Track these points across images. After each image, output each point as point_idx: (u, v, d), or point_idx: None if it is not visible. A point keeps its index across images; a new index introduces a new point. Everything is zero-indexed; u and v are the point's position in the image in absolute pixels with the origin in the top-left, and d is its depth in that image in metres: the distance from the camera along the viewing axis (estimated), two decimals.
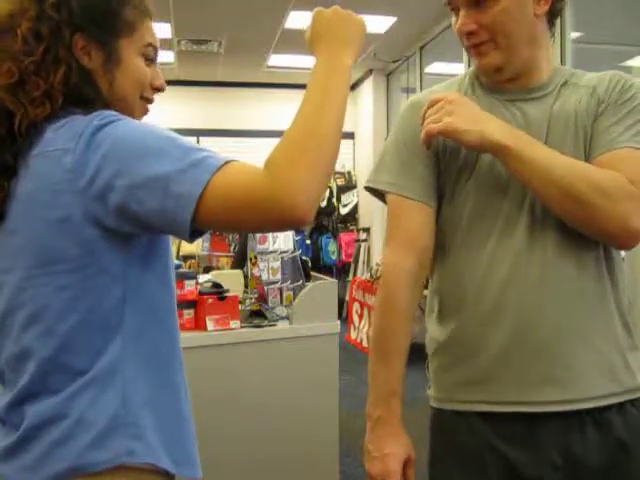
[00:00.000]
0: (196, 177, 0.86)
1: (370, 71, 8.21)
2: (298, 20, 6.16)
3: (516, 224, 1.15)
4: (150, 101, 1.11)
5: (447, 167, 1.21)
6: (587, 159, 1.15)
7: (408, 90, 7.55)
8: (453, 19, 1.20)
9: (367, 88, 8.44)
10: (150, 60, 1.08)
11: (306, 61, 7.68)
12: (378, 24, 6.38)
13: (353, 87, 8.88)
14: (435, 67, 7.17)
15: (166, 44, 6.63)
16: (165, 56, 6.83)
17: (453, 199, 1.20)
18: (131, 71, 1.06)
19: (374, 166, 1.28)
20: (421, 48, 7.08)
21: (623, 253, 1.40)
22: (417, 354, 1.58)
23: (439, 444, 1.23)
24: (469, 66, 5.20)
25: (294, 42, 6.89)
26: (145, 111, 1.12)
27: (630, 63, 5.14)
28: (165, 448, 1.00)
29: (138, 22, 1.06)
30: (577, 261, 1.14)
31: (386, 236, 1.25)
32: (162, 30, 6.36)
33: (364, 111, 8.52)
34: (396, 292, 1.18)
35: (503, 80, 1.20)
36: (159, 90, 1.11)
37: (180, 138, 0.93)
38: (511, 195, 1.16)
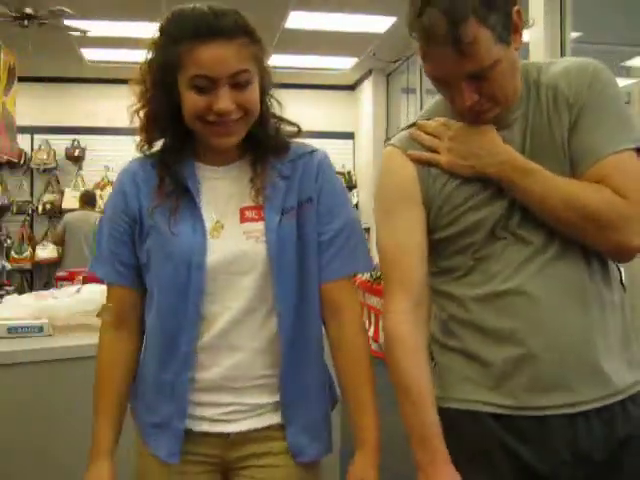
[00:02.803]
0: None
1: (370, 71, 8.20)
2: (298, 20, 6.16)
3: (518, 239, 1.16)
4: (215, 124, 1.16)
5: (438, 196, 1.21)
6: (573, 170, 1.15)
7: (408, 90, 7.56)
8: (432, 87, 1.19)
9: (367, 88, 8.44)
10: (201, 89, 1.14)
11: (306, 61, 7.68)
12: (378, 24, 6.38)
13: (353, 87, 8.88)
14: None
15: None
16: None
17: (454, 224, 1.20)
18: (184, 103, 1.17)
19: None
20: None
21: None
22: None
23: (447, 443, 1.21)
24: None
25: (294, 42, 6.89)
26: (216, 133, 1.18)
27: (630, 63, 5.14)
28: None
29: (183, 58, 1.13)
30: (579, 270, 1.15)
31: (382, 277, 1.25)
32: None
33: (364, 111, 8.52)
34: (399, 338, 1.17)
35: None
36: (219, 114, 1.15)
37: None
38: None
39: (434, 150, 1.21)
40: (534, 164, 1.14)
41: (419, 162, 1.21)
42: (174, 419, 1.22)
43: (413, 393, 1.16)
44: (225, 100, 1.13)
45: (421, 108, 7.17)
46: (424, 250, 1.21)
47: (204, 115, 1.15)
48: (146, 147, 1.25)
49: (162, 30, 1.18)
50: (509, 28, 1.10)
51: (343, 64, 7.91)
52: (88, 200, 6.87)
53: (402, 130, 1.30)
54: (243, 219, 1.21)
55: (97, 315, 2.26)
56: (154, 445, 1.25)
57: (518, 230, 1.16)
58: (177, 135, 1.23)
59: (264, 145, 1.24)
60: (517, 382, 1.15)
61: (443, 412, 1.22)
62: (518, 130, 1.18)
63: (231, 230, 1.21)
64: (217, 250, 1.19)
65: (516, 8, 1.11)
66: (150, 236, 1.22)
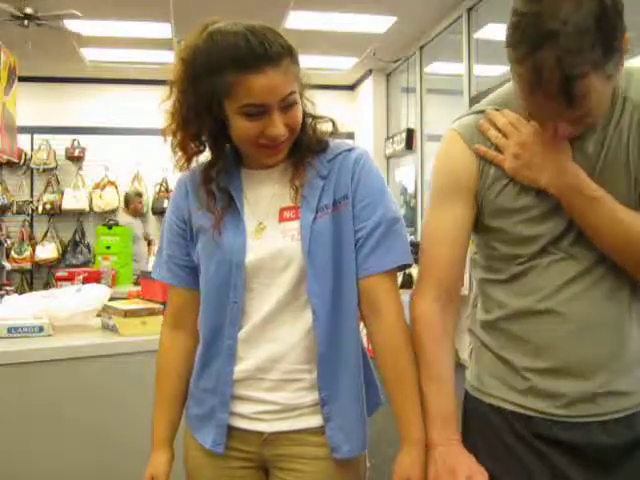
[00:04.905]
0: None
1: (370, 71, 8.21)
2: (298, 20, 6.16)
3: (569, 256, 1.14)
4: (265, 146, 1.19)
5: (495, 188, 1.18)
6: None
7: (408, 90, 7.56)
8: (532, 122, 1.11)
9: (367, 88, 8.44)
10: (252, 116, 1.15)
11: (305, 61, 7.67)
12: (378, 24, 6.39)
13: (353, 87, 8.88)
14: (435, 67, 7.17)
15: (166, 44, 6.63)
16: (165, 56, 6.83)
17: (515, 229, 1.16)
18: (234, 128, 1.19)
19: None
20: (421, 48, 7.08)
21: None
22: None
23: (474, 432, 1.23)
24: (469, 66, 5.27)
25: (294, 42, 6.88)
26: (267, 154, 1.22)
27: (630, 63, 5.13)
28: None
29: (234, 84, 1.13)
30: (622, 295, 1.14)
31: (418, 261, 1.25)
32: (162, 30, 6.37)
33: (364, 111, 8.52)
34: (425, 325, 1.19)
35: None
36: (271, 139, 1.17)
37: None
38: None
39: (499, 148, 1.15)
40: (600, 191, 1.09)
41: (483, 158, 1.17)
42: (217, 410, 1.27)
43: (435, 370, 1.17)
44: (279, 125, 1.16)
45: (421, 108, 7.17)
46: (463, 244, 1.20)
47: (256, 139, 1.18)
48: (186, 165, 1.28)
49: (201, 54, 1.17)
50: (619, 64, 0.99)
51: (343, 64, 7.91)
52: (127, 202, 6.97)
53: (467, 115, 1.23)
54: (282, 219, 1.26)
55: (97, 315, 2.27)
56: (199, 436, 1.30)
57: (570, 249, 1.13)
58: (219, 150, 1.27)
59: (303, 146, 1.26)
60: (541, 392, 1.16)
61: (471, 400, 1.25)
62: (594, 143, 1.10)
63: (271, 230, 1.25)
64: (257, 250, 1.24)
65: (625, 37, 0.98)
66: (199, 239, 1.29)
